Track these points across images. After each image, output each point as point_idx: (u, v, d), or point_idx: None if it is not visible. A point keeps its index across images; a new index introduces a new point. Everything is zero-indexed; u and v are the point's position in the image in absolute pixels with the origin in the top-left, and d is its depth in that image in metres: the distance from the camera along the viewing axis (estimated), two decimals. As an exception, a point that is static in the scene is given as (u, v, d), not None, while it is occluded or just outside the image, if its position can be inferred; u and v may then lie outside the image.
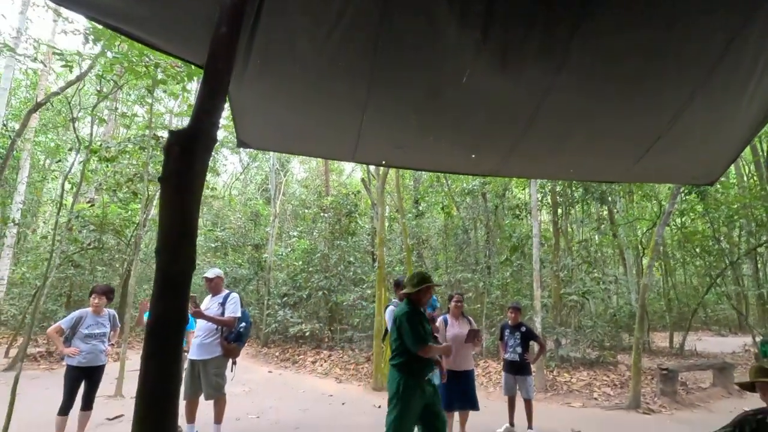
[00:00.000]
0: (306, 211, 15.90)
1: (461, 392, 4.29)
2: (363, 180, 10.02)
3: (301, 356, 10.15)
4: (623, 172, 4.22)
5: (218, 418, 4.08)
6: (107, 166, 10.94)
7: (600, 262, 12.43)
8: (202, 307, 4.16)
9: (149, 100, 8.47)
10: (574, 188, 10.13)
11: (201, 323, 4.08)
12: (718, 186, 12.91)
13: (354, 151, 3.59)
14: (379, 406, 5.96)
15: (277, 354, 10.75)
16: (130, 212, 12.03)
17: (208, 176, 13.93)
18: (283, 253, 14.10)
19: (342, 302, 11.12)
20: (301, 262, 12.90)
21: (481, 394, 6.86)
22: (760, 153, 12.44)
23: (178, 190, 1.97)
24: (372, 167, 9.91)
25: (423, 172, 13.48)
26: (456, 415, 4.47)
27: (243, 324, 4.17)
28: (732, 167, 15.16)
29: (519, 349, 4.74)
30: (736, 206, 12.30)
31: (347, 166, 21.54)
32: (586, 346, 9.22)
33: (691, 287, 17.49)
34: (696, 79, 2.55)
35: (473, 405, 4.35)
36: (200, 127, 2.07)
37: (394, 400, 3.05)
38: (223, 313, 4.07)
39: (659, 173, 4.42)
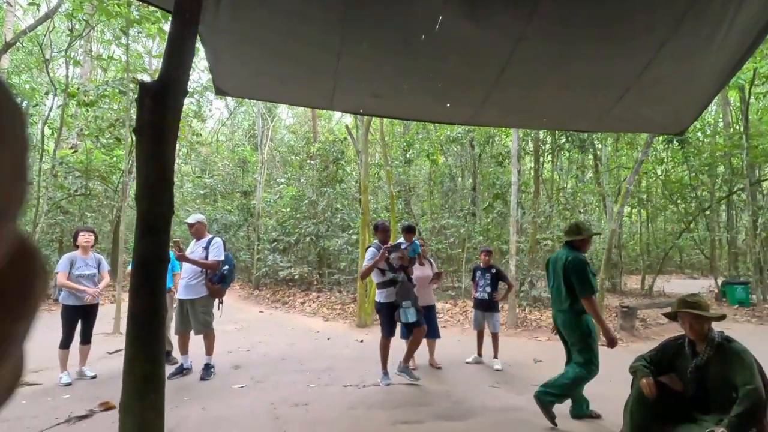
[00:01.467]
0: (294, 157, 15.86)
1: (429, 324, 4.77)
2: (348, 127, 9.98)
3: (290, 298, 10.68)
4: (595, 121, 4.36)
5: (209, 351, 4.46)
6: (87, 111, 10.70)
7: (580, 209, 12.83)
8: (187, 251, 4.41)
9: (125, 41, 8.15)
10: (557, 136, 10.23)
11: (186, 266, 4.34)
12: (700, 134, 13.09)
13: (331, 98, 3.67)
14: (361, 341, 6.46)
15: (268, 296, 11.28)
16: (114, 158, 11.95)
17: (194, 122, 13.70)
18: (272, 200, 14.26)
19: (329, 247, 11.50)
20: (289, 209, 13.12)
21: (456, 329, 7.46)
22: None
23: (153, 141, 2.12)
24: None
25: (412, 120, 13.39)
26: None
27: (226, 267, 4.44)
28: (721, 116, 15.23)
29: (488, 289, 5.15)
30: (717, 154, 12.55)
31: (336, 112, 21.16)
32: (560, 288, 9.81)
33: (667, 233, 18.18)
34: (665, 28, 2.64)
35: (435, 334, 5.01)
36: (170, 78, 2.17)
37: (588, 339, 3.34)
38: (206, 257, 4.32)
39: (630, 123, 4.57)
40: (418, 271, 4.91)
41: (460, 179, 14.38)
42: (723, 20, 2.56)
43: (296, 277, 11.54)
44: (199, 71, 14.09)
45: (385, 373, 4.26)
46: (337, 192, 12.45)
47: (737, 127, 12.68)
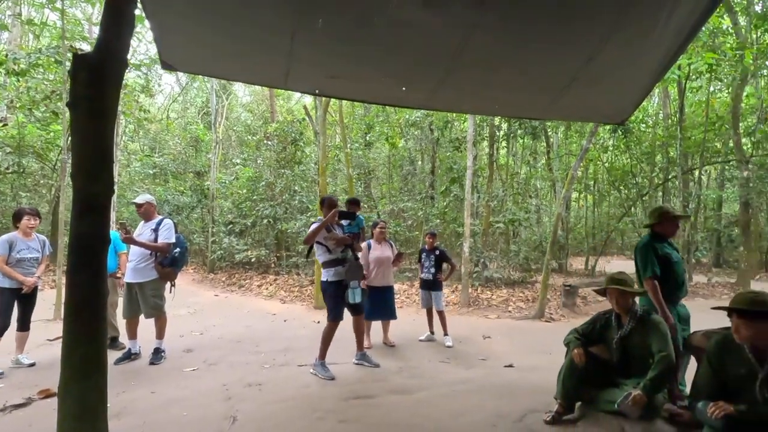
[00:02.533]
0: (251, 137, 15.37)
1: (383, 305, 5.00)
2: (306, 107, 9.79)
3: (247, 281, 10.51)
4: (544, 110, 4.53)
5: (160, 335, 4.35)
6: (18, 81, 9.79)
7: (532, 193, 13.41)
8: (135, 233, 4.23)
9: (59, 5, 7.50)
10: (511, 123, 10.56)
11: (134, 248, 4.17)
12: (642, 125, 13.94)
13: (285, 78, 3.59)
14: (318, 322, 6.51)
15: (223, 279, 11.04)
16: (52, 134, 11.08)
17: (141, 97, 12.88)
18: (227, 181, 13.83)
19: (287, 230, 11.37)
20: (245, 190, 12.79)
21: (412, 309, 7.68)
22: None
23: (90, 116, 2.01)
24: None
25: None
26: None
27: (177, 249, 4.31)
28: (660, 108, 16.23)
29: (433, 270, 5.35)
30: (656, 144, 13.46)
31: (295, 92, 20.58)
32: (511, 269, 10.30)
33: (610, 217, 19.39)
34: (608, 22, 2.77)
35: (392, 315, 5.15)
36: (108, 50, 2.06)
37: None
38: (155, 239, 4.17)
39: (576, 111, 4.79)
40: (378, 252, 5.01)
41: (419, 163, 14.55)
42: (660, 16, 2.73)
43: (253, 260, 11.35)
44: (147, 42, 13.24)
45: (324, 363, 3.95)
46: (295, 174, 12.26)
47: (675, 119, 13.62)
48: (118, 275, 4.72)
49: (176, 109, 22.23)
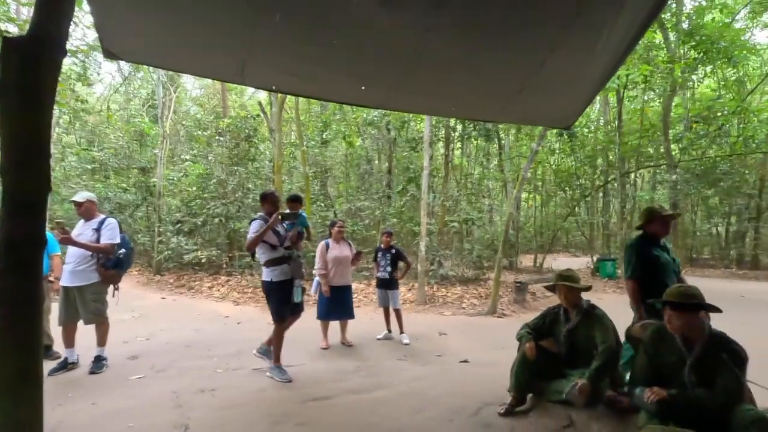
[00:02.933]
0: (201, 133, 14.72)
1: (341, 304, 4.98)
2: (261, 103, 9.52)
3: (197, 282, 10.07)
4: (497, 113, 4.69)
5: (101, 342, 4.07)
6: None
7: (485, 194, 13.87)
8: (74, 233, 3.92)
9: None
10: (466, 125, 10.86)
11: (73, 250, 3.86)
12: (586, 130, 14.82)
13: (241, 73, 3.47)
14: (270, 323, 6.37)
15: (171, 281, 10.50)
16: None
17: (78, 86, 11.96)
18: (176, 178, 13.17)
19: (240, 229, 11.01)
20: (195, 188, 12.24)
21: (369, 308, 7.69)
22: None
23: (23, 106, 1.84)
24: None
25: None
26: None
27: (123, 250, 4.04)
28: (601, 115, 17.32)
29: (389, 268, 5.40)
30: (597, 148, 14.35)
31: (248, 87, 19.92)
32: (465, 267, 10.60)
33: (556, 216, 20.46)
34: (556, 34, 2.91)
35: (350, 314, 5.13)
36: (43, 33, 1.89)
37: None
38: (98, 240, 3.89)
39: (526, 115, 5.00)
40: (336, 251, 4.97)
41: (376, 162, 14.62)
42: (603, 29, 2.92)
43: (203, 260, 10.89)
44: (84, 27, 12.28)
45: (281, 366, 3.82)
46: (249, 171, 11.89)
47: (614, 125, 14.62)
48: (51, 279, 4.35)
49: (118, 100, 20.80)
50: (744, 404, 2.15)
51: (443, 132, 10.73)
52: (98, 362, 4.00)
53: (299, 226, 4.13)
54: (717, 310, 2.30)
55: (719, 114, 12.82)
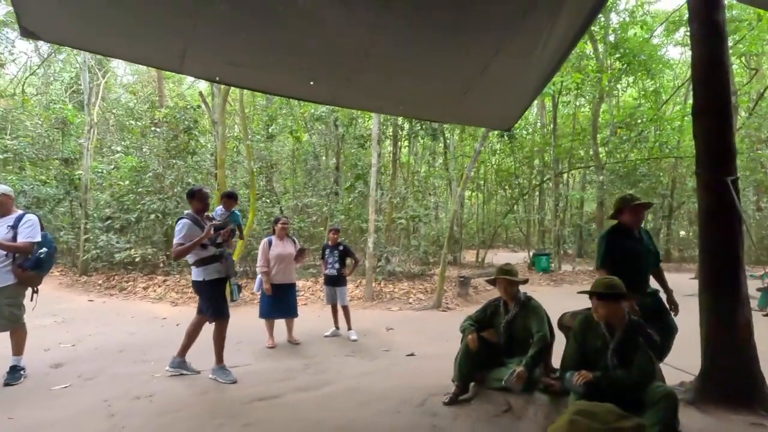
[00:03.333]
0: (134, 123, 13.70)
1: (284, 302, 4.91)
2: (202, 94, 9.07)
3: (130, 283, 9.42)
4: (443, 113, 4.85)
5: (17, 350, 3.69)
6: None
7: (431, 191, 14.23)
8: (-16, 230, 3.52)
9: None
10: (413, 124, 11.07)
11: (-18, 248, 3.47)
12: (524, 132, 15.66)
13: (181, 60, 3.28)
14: (216, 324, 6.13)
15: (100, 282, 9.74)
16: None
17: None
18: (105, 171, 12.19)
19: (179, 226, 10.43)
20: (128, 182, 11.42)
21: (317, 306, 7.64)
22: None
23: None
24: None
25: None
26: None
27: (44, 249, 3.69)
28: (538, 118, 18.36)
29: (337, 265, 5.42)
30: (534, 149, 15.22)
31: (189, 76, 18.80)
32: (412, 263, 10.83)
33: (497, 214, 21.46)
34: (497, 40, 3.05)
35: (293, 313, 5.07)
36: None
37: None
38: (14, 238, 3.53)
39: (469, 117, 5.20)
40: (279, 249, 4.89)
41: (324, 158, 14.47)
42: (540, 37, 3.11)
43: (137, 259, 10.19)
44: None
45: (224, 367, 3.69)
46: (188, 165, 11.29)
47: (549, 129, 15.59)
48: None
49: (35, 83, 18.79)
50: (656, 382, 2.41)
51: (391, 130, 10.86)
52: (14, 373, 3.63)
53: (232, 223, 4.00)
54: (635, 299, 2.56)
55: (639, 121, 14.12)
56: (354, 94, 4.16)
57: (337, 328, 5.53)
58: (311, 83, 3.83)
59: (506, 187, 16.42)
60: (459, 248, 14.49)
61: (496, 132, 13.20)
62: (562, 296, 3.90)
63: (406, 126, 11.79)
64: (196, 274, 3.69)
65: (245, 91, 9.05)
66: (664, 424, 2.19)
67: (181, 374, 3.77)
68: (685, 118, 11.94)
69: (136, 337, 5.37)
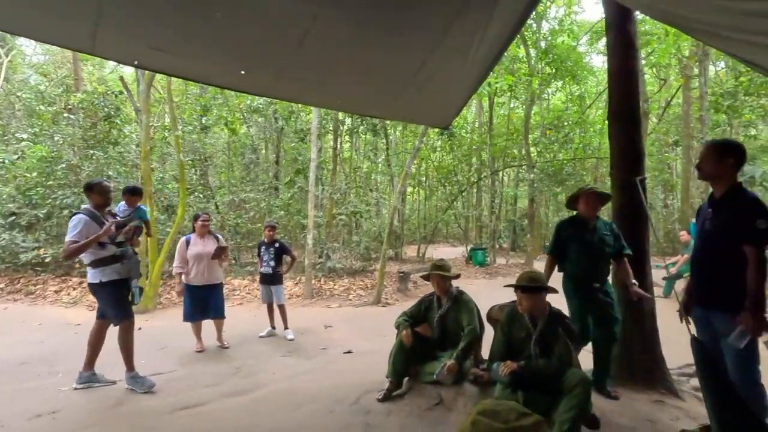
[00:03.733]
0: (45, 108, 12.29)
1: (207, 304, 4.60)
2: (122, 78, 8.35)
3: (39, 286, 8.47)
4: (382, 110, 4.82)
5: None
6: None
7: (372, 187, 14.26)
8: None
9: None
10: (355, 119, 11.00)
11: None
12: (463, 131, 16.17)
13: (92, 41, 2.96)
14: (140, 328, 5.68)
15: (2, 286, 8.65)
16: None
17: None
18: (7, 161, 10.82)
19: (99, 222, 9.55)
20: (36, 174, 10.23)
21: (253, 305, 7.37)
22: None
23: None
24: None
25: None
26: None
27: None
28: (476, 118, 19.04)
29: (272, 263, 5.22)
30: (472, 147, 15.77)
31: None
32: (353, 259, 10.78)
33: (438, 210, 22.02)
34: (434, 38, 3.06)
35: (220, 314, 4.72)
36: None
37: (569, 301, 3.18)
38: None
39: (408, 114, 5.23)
40: (199, 247, 4.56)
41: (263, 152, 13.95)
42: (474, 38, 3.18)
43: (48, 260, 9.18)
44: None
45: (137, 374, 3.44)
46: (110, 156, 10.35)
47: (486, 128, 16.23)
48: None
49: None
50: (573, 369, 2.57)
51: (332, 124, 10.70)
52: None
53: (137, 219, 3.70)
54: (555, 291, 2.71)
55: (566, 123, 15.12)
56: (289, 87, 4.00)
57: (273, 327, 5.35)
58: (242, 72, 3.64)
59: (446, 183, 16.87)
60: (400, 244, 14.67)
61: (436, 129, 13.50)
62: (497, 289, 4.06)
63: (348, 121, 11.70)
64: (92, 275, 3.34)
65: (174, 78, 8.45)
66: (579, 408, 2.34)
67: (91, 387, 3.44)
68: (606, 121, 13.00)
69: (43, 347, 4.82)
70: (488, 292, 6.88)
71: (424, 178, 19.59)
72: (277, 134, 12.30)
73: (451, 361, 2.94)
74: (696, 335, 2.34)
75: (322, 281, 8.93)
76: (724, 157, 2.25)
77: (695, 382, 3.27)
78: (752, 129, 11.52)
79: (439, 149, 15.86)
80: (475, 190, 16.78)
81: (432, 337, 3.33)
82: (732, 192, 2.26)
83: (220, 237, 4.84)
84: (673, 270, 7.28)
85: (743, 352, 2.11)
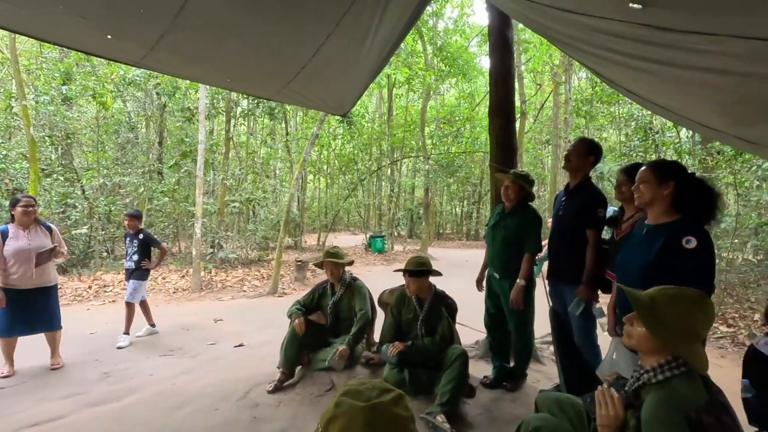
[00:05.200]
0: None
1: (35, 313, 3.60)
2: (-53, 30, 6.70)
3: None
4: (275, 92, 4.59)
5: None
6: None
7: (270, 174, 13.68)
8: None
9: None
10: (251, 100, 10.39)
11: None
12: (363, 120, 16.33)
13: None
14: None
15: None
16: None
17: None
18: None
19: None
20: None
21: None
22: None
23: None
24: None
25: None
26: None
27: None
28: (377, 108, 19.34)
29: (135, 257, 4.64)
30: (372, 137, 16.03)
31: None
32: (249, 248, 10.26)
33: (339, 198, 22.06)
34: (331, 23, 2.98)
35: (54, 325, 3.74)
36: None
37: None
38: None
39: (303, 98, 5.06)
40: (21, 242, 3.51)
41: (142, 130, 12.44)
42: (370, 27, 3.18)
43: None
44: None
45: None
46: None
47: (386, 118, 16.61)
48: None
49: None
50: (454, 345, 2.78)
51: (223, 104, 9.95)
52: None
53: None
54: (439, 274, 2.89)
55: (458, 118, 16.19)
56: (168, 58, 3.57)
57: (153, 325, 4.85)
58: (108, 37, 3.17)
59: (347, 172, 16.94)
60: (300, 232, 14.39)
61: (337, 117, 13.41)
62: (394, 275, 4.19)
63: (243, 102, 11.00)
64: None
65: (21, 36, 7.02)
66: (458, 380, 2.55)
67: None
68: (491, 119, 14.21)
69: None
70: (385, 278, 7.10)
71: (325, 166, 19.42)
72: (160, 112, 11.05)
73: (342, 346, 2.97)
74: (553, 306, 2.72)
75: (213, 273, 8.35)
76: (588, 154, 2.65)
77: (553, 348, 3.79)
78: (603, 132, 13.62)
79: (340, 137, 15.81)
80: (375, 179, 17.13)
81: (326, 324, 3.33)
82: (583, 184, 2.67)
83: (53, 228, 3.80)
84: (541, 254, 8.30)
85: (582, 319, 2.52)
